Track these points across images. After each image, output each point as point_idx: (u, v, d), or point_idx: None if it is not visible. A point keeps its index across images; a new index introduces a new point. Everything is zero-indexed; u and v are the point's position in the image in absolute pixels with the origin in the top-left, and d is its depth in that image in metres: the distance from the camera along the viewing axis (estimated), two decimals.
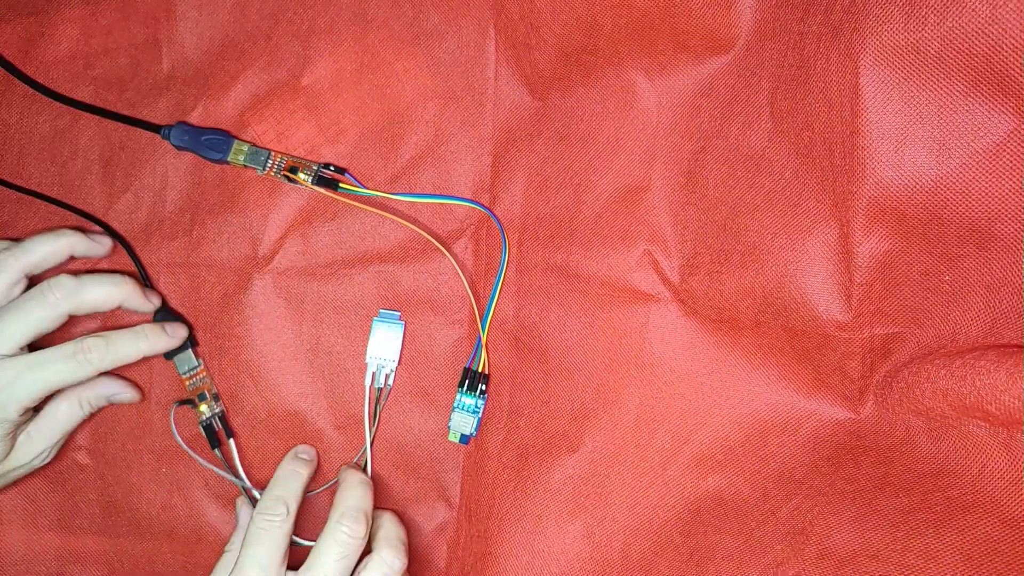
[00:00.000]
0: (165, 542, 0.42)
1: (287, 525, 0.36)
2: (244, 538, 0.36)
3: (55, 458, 0.41)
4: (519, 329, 0.40)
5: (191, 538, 0.42)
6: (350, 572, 0.36)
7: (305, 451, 0.41)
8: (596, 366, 0.38)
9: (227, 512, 0.42)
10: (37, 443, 0.39)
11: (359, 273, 0.41)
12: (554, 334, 0.39)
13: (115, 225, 0.42)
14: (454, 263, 0.40)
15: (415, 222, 0.41)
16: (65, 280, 0.38)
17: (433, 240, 0.40)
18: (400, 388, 0.41)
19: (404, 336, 0.41)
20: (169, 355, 0.41)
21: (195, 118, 0.41)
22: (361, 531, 0.36)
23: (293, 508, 0.37)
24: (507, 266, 0.40)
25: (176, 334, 0.41)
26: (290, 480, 0.39)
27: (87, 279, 0.39)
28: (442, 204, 0.41)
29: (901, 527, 0.31)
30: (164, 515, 0.42)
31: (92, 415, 0.41)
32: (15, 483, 0.41)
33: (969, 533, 0.30)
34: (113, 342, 0.39)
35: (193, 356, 0.41)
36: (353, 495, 0.38)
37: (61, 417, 0.39)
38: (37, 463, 0.40)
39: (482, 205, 0.40)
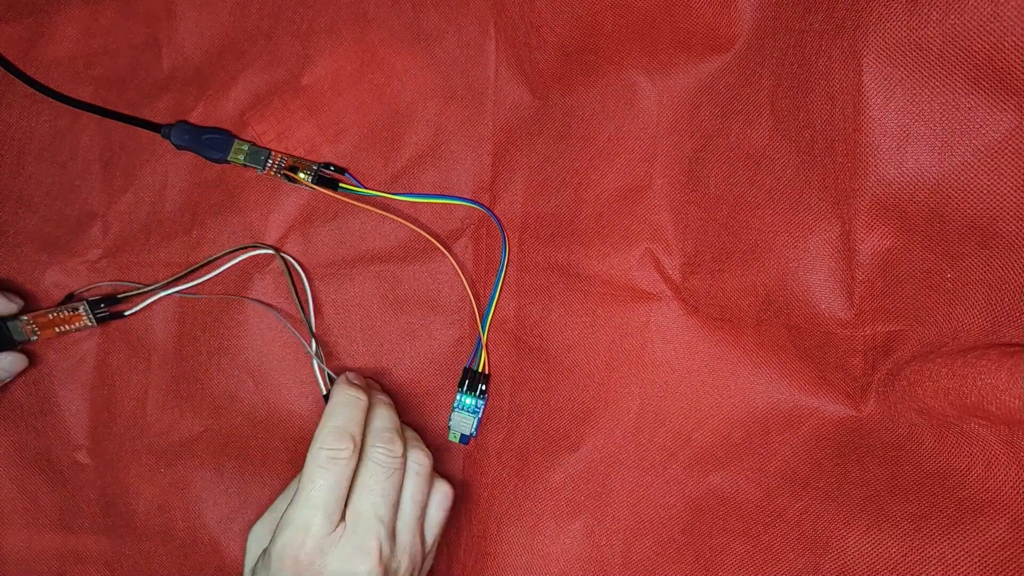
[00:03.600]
0: (161, 543, 0.42)
1: (353, 462, 0.33)
2: (301, 474, 0.32)
3: (55, 458, 0.41)
4: (520, 329, 0.40)
5: (186, 540, 0.42)
6: (397, 497, 0.34)
7: (355, 376, 0.38)
8: (597, 365, 0.38)
9: (224, 514, 0.42)
10: None
11: (359, 273, 0.41)
12: (555, 333, 0.39)
13: (115, 225, 0.42)
14: (454, 263, 0.40)
15: (415, 222, 0.41)
16: None
17: (433, 240, 0.40)
18: (400, 387, 0.41)
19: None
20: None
21: (195, 118, 0.41)
22: (399, 451, 0.33)
23: (359, 440, 0.33)
24: (507, 266, 0.40)
25: None
26: (351, 407, 0.34)
27: None
28: (442, 204, 0.41)
29: (915, 534, 0.31)
30: (160, 516, 0.42)
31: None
32: None
33: (982, 537, 0.30)
34: None
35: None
36: (379, 416, 0.35)
37: None
38: None
39: (482, 205, 0.40)
